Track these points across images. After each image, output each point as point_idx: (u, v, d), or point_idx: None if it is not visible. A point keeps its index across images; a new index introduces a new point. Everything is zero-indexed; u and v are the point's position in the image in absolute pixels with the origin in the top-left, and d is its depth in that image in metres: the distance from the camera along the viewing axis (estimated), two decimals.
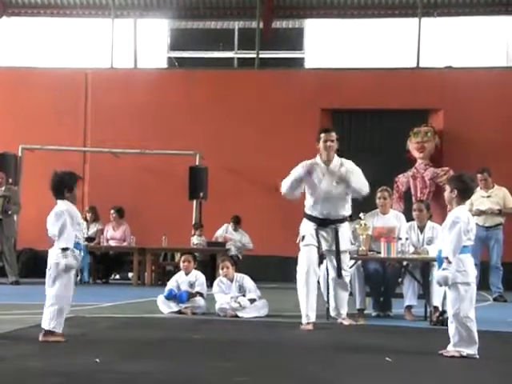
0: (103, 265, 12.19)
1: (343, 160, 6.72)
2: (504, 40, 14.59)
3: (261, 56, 14.03)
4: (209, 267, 11.09)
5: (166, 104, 13.39)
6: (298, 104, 13.11)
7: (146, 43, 15.17)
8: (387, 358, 4.76)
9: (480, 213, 10.14)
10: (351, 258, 7.33)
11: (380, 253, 7.34)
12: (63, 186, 5.45)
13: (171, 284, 7.72)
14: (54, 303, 5.18)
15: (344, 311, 6.87)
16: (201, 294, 7.61)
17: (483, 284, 10.20)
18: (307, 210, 6.69)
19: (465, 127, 12.68)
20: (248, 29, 15.01)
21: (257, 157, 12.79)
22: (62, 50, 14.99)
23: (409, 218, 7.97)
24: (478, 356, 4.83)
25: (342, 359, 4.88)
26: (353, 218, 7.65)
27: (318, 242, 6.56)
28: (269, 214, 12.21)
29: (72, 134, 13.44)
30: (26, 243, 12.73)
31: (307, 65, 14.94)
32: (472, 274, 4.96)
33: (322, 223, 6.58)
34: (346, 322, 6.78)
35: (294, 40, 15.21)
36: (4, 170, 11.77)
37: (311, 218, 6.63)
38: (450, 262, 4.81)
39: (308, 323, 6.45)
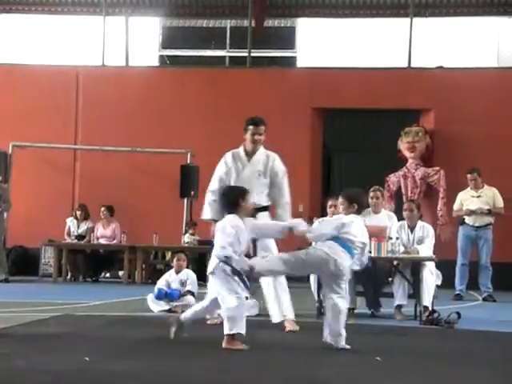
0: (93, 263, 12.16)
1: (269, 152, 6.73)
2: (495, 41, 14.63)
3: (253, 55, 14.01)
4: (198, 266, 11.07)
5: (158, 102, 13.36)
6: (289, 103, 13.11)
7: (138, 41, 15.12)
8: (377, 358, 4.77)
9: (470, 213, 10.18)
10: None
11: (371, 252, 7.34)
12: (237, 197, 5.31)
13: (161, 283, 7.71)
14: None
15: (288, 313, 6.36)
16: (191, 293, 7.61)
17: (473, 284, 10.27)
18: None
19: (456, 127, 12.71)
20: (240, 27, 14.99)
21: None
22: (53, 48, 14.92)
23: (399, 218, 7.99)
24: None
25: (331, 358, 4.89)
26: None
27: None
28: None
29: (63, 131, 13.38)
30: (16, 241, 12.68)
31: (299, 64, 14.94)
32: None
33: None
34: (288, 327, 6.27)
35: (286, 39, 15.21)
36: None
37: None
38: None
39: (212, 318, 6.40)
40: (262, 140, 6.68)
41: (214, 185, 6.73)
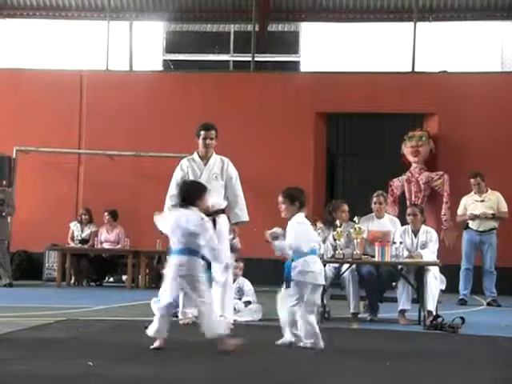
0: (97, 267, 12.16)
1: (222, 157, 7.10)
2: (498, 45, 14.62)
3: (256, 59, 14.02)
4: None
5: (162, 106, 13.37)
6: (293, 107, 13.11)
7: (142, 45, 15.15)
8: (387, 363, 4.75)
9: (474, 217, 10.16)
10: (346, 262, 7.34)
11: (374, 257, 7.34)
12: (194, 194, 5.35)
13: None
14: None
15: (228, 315, 6.73)
16: None
17: (477, 288, 10.25)
18: None
19: (459, 132, 12.70)
20: (244, 32, 15.00)
21: (251, 160, 12.76)
22: (57, 52, 14.95)
23: (403, 222, 7.98)
24: (322, 346, 5.21)
25: (335, 363, 4.88)
26: (348, 221, 7.69)
27: None
28: (263, 218, 12.15)
29: (67, 135, 13.40)
30: (20, 245, 12.70)
31: (303, 68, 14.94)
32: (318, 273, 5.39)
33: None
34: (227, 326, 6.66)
35: (290, 43, 15.21)
36: None
37: None
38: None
39: (184, 319, 6.68)
40: (214, 144, 7.09)
41: (172, 190, 7.04)
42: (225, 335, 5.02)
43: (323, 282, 5.56)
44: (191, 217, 5.17)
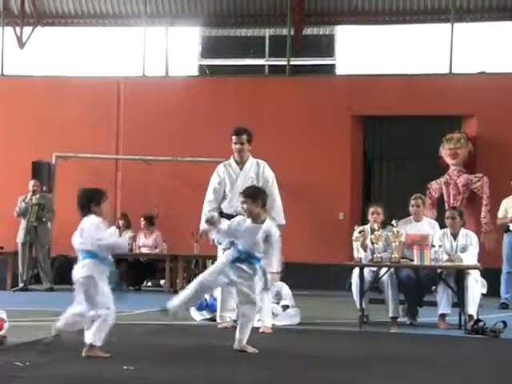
0: (135, 272, 12.25)
1: (259, 161, 7.03)
2: None
3: (292, 63, 14.01)
4: None
5: (197, 111, 13.44)
6: (329, 111, 13.07)
7: (178, 51, 15.26)
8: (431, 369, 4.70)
9: None
10: (384, 266, 7.28)
11: (413, 260, 7.27)
12: (90, 200, 5.25)
13: None
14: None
15: (266, 319, 6.64)
16: None
17: None
18: (223, 209, 6.95)
19: (498, 133, 12.52)
20: (279, 36, 15.01)
21: (287, 164, 12.74)
22: (94, 59, 15.15)
23: (442, 225, 7.88)
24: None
25: (374, 368, 4.83)
26: (386, 224, 7.63)
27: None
28: (299, 222, 12.14)
29: (104, 141, 13.55)
30: (60, 250, 12.83)
31: (338, 71, 14.89)
32: None
33: None
34: (266, 330, 6.53)
35: (325, 47, 15.18)
36: (38, 178, 11.95)
37: (227, 216, 6.79)
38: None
39: (222, 322, 6.76)
40: (247, 148, 7.03)
41: (209, 196, 7.07)
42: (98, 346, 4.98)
43: None
44: (88, 224, 5.15)
